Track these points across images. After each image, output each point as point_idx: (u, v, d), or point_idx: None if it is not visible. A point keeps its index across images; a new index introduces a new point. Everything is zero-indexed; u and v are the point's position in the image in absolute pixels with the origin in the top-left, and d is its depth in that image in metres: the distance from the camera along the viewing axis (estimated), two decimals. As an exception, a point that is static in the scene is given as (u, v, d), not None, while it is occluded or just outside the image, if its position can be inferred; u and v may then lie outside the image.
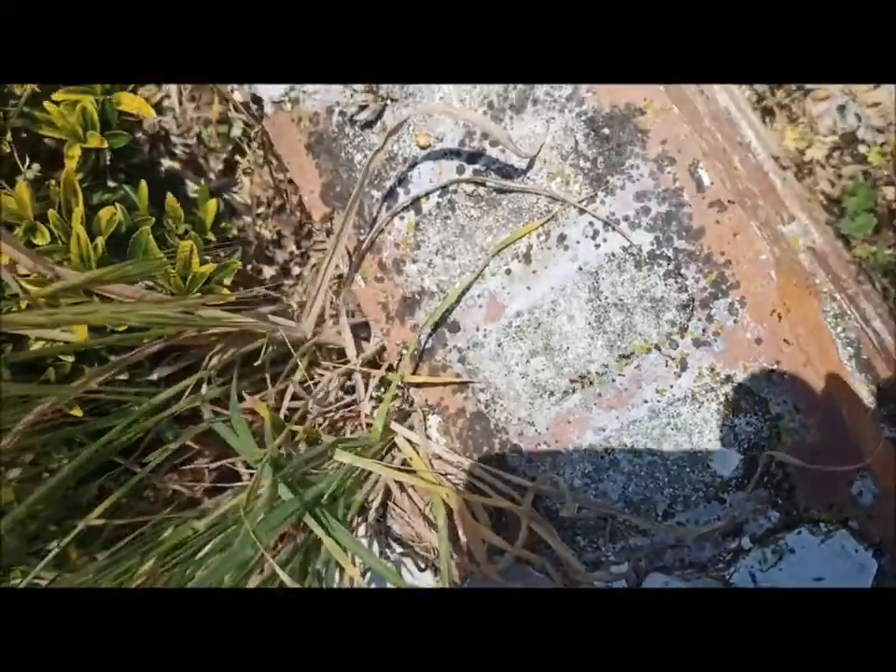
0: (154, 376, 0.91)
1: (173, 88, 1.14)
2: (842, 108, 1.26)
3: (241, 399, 0.96)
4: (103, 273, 0.78)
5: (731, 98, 1.11)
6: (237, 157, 1.18)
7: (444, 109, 0.84)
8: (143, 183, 0.91)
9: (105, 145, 0.86)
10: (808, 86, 1.28)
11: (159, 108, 1.17)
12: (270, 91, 0.98)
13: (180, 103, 1.17)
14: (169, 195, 0.91)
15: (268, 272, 1.18)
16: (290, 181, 1.03)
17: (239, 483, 1.00)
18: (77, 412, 0.88)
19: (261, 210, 1.17)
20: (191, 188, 1.17)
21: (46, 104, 0.85)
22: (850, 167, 1.24)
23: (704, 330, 0.81)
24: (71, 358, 0.87)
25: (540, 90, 0.84)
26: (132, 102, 0.89)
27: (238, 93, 1.00)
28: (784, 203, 1.01)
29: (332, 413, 0.97)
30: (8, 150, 0.84)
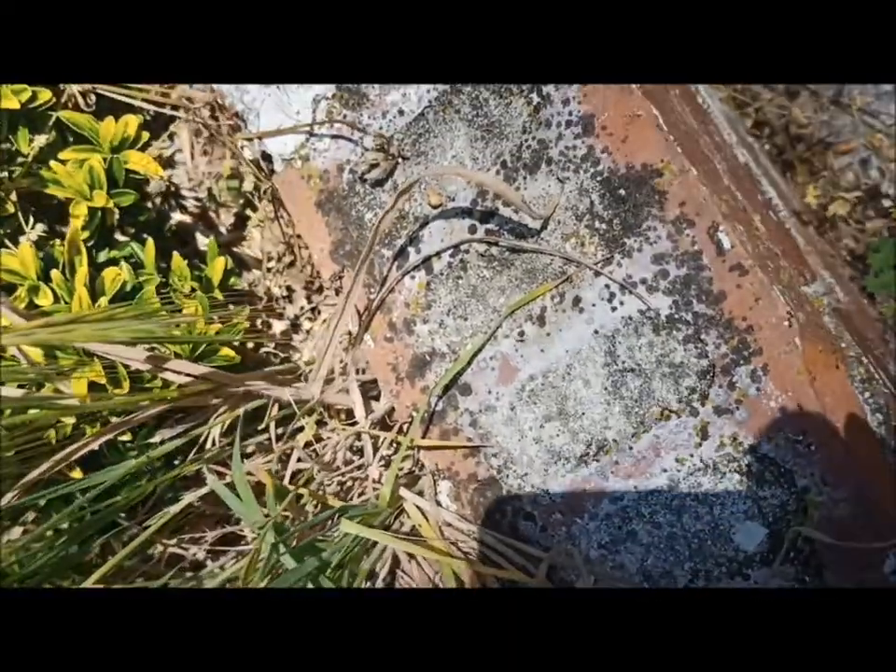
0: (157, 438, 0.89)
1: (185, 143, 1.13)
2: (864, 162, 1.24)
3: (247, 457, 0.94)
4: (90, 313, 0.75)
5: (750, 154, 1.09)
6: (248, 211, 1.16)
7: (456, 171, 0.82)
8: (150, 241, 0.89)
9: (111, 204, 0.85)
10: (830, 139, 1.26)
11: (170, 162, 1.16)
12: (280, 149, 0.96)
13: (192, 157, 1.16)
14: (175, 254, 0.89)
15: (278, 326, 1.16)
16: (300, 236, 1.01)
17: (244, 547, 0.97)
18: (77, 473, 0.86)
19: (272, 264, 1.15)
20: (202, 241, 1.16)
21: (52, 163, 0.84)
22: (874, 222, 1.21)
23: (725, 398, 0.77)
24: (72, 420, 0.85)
25: (555, 150, 0.82)
26: (139, 160, 0.88)
27: (248, 150, 0.99)
28: (807, 261, 0.99)
29: (340, 476, 0.94)
30: (13, 210, 0.82)
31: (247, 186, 1.14)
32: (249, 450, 0.96)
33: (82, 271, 0.79)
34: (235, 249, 1.16)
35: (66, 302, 0.81)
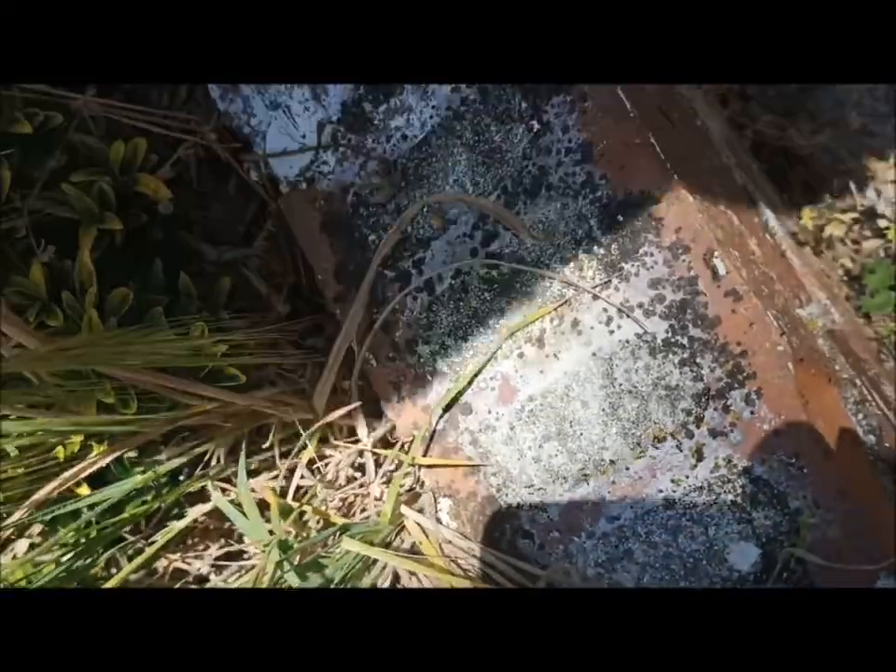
0: (163, 456, 0.91)
1: (192, 162, 1.15)
2: (861, 184, 1.25)
3: (253, 474, 0.96)
4: (99, 337, 0.77)
5: (748, 175, 1.11)
6: (253, 229, 1.18)
7: (459, 197, 0.84)
8: (157, 262, 0.91)
9: (121, 226, 0.87)
10: (827, 161, 1.27)
11: (177, 182, 1.18)
12: (285, 171, 0.98)
13: (198, 176, 1.18)
14: (182, 274, 0.91)
15: (281, 346, 1.17)
16: (304, 257, 1.03)
17: (246, 562, 0.99)
18: (84, 490, 0.88)
19: (276, 283, 1.17)
20: (208, 261, 1.17)
21: (63, 185, 0.86)
22: (870, 242, 1.23)
23: (720, 421, 0.79)
24: (80, 438, 0.87)
25: (555, 176, 0.84)
26: (149, 183, 0.90)
27: (254, 172, 1.01)
28: (803, 283, 1.00)
29: (342, 493, 0.96)
30: (24, 233, 0.84)
31: (253, 206, 1.16)
32: (253, 467, 0.97)
33: (92, 292, 0.81)
34: (240, 268, 1.18)
35: (76, 322, 0.83)
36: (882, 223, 1.23)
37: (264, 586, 0.79)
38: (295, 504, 0.86)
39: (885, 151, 1.24)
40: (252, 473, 0.96)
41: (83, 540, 0.86)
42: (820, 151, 1.28)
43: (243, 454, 0.83)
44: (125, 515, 0.85)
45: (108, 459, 0.83)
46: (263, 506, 0.90)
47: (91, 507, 0.83)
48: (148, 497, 0.91)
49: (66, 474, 0.81)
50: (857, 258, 1.21)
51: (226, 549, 0.98)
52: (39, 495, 0.79)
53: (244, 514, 0.84)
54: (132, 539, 0.95)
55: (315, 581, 0.78)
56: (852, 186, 1.25)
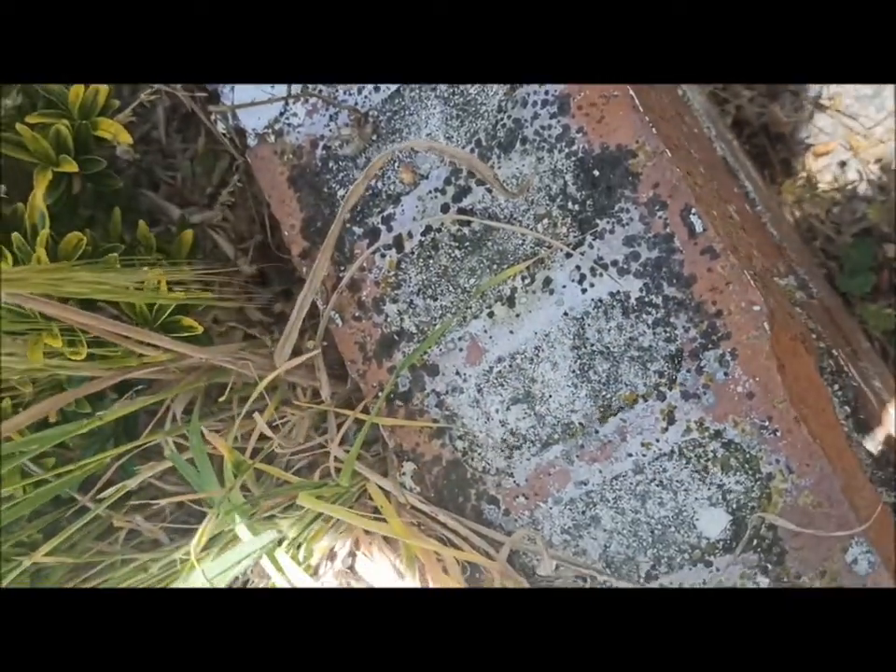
0: (115, 408, 0.87)
1: (160, 119, 1.12)
2: (843, 164, 1.24)
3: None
4: (43, 267, 0.73)
5: (729, 149, 1.09)
6: (222, 190, 1.15)
7: (430, 145, 0.81)
8: (116, 210, 0.88)
9: (77, 169, 0.83)
10: (809, 140, 1.26)
11: (146, 140, 1.15)
12: (253, 123, 0.95)
13: (167, 134, 1.15)
14: (141, 223, 0.87)
15: (249, 308, 1.14)
16: (271, 213, 0.99)
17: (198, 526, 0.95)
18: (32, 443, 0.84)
19: (244, 245, 1.14)
20: (173, 219, 1.14)
21: (18, 125, 0.82)
22: (850, 223, 1.21)
23: (693, 382, 0.77)
24: (29, 389, 0.83)
25: (530, 129, 0.81)
26: (108, 127, 0.86)
27: (221, 124, 0.97)
28: (780, 255, 0.98)
29: (303, 455, 0.93)
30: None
31: (222, 164, 1.13)
32: (210, 425, 0.94)
33: (44, 233, 0.77)
34: (206, 227, 1.14)
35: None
36: (862, 204, 1.22)
37: (217, 545, 0.76)
38: (251, 461, 0.83)
39: (867, 131, 1.23)
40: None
41: (30, 493, 0.82)
42: (802, 131, 1.26)
43: (198, 405, 0.80)
44: (72, 468, 0.81)
45: (55, 407, 0.79)
46: (220, 466, 0.87)
47: (23, 453, 0.78)
48: (97, 452, 0.87)
49: (10, 423, 0.77)
50: (836, 238, 1.20)
51: (178, 499, 0.93)
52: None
53: (196, 469, 0.81)
54: (80, 499, 0.91)
55: (267, 537, 0.75)
56: (834, 166, 1.24)
